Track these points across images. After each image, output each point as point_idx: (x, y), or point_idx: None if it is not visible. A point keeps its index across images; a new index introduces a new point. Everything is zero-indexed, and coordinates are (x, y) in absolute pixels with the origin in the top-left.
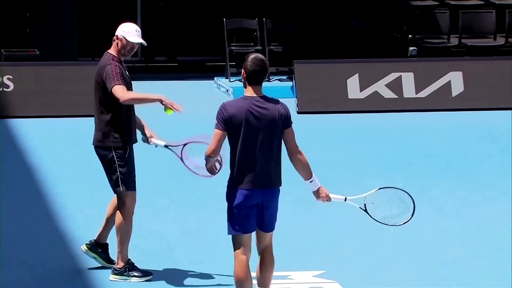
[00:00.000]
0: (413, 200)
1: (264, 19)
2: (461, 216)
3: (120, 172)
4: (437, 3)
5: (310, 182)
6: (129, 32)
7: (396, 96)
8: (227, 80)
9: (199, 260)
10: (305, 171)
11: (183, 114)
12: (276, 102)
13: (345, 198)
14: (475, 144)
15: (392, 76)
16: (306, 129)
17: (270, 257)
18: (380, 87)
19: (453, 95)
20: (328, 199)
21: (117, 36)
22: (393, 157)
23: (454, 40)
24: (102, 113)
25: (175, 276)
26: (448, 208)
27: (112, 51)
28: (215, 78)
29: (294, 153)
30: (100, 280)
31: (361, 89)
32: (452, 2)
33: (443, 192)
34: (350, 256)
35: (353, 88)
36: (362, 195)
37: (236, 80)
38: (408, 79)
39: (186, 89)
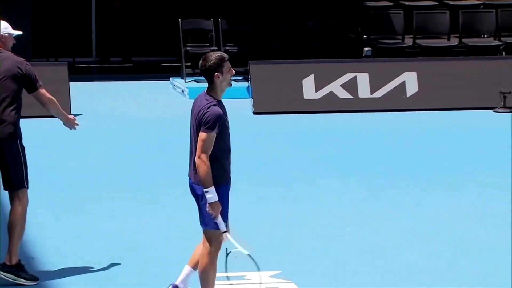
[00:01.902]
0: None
1: (219, 19)
2: (418, 216)
3: (25, 167)
4: (392, 4)
5: (206, 192)
6: (7, 27)
7: (351, 97)
8: (183, 80)
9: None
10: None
11: (140, 115)
12: None
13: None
14: (430, 144)
15: (347, 76)
16: (261, 129)
17: None
18: (336, 87)
19: (408, 95)
20: (217, 217)
21: (2, 35)
22: (349, 157)
23: (408, 41)
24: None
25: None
26: (405, 208)
27: (8, 50)
28: (171, 79)
29: None
30: None
31: (317, 90)
32: (406, 3)
33: (399, 192)
34: (306, 257)
35: (309, 89)
36: (239, 243)
37: (192, 80)
38: (363, 80)
39: (141, 89)
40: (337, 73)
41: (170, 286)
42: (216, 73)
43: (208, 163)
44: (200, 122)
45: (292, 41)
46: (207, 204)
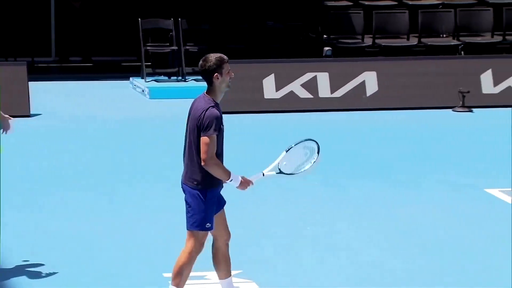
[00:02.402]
0: (314, 141)
1: (179, 19)
2: (379, 215)
3: None
4: (351, 3)
5: (230, 181)
6: None
7: (312, 96)
8: (143, 80)
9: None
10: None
11: (100, 114)
12: None
13: (263, 174)
14: (390, 144)
15: (308, 76)
16: None
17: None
18: (296, 87)
19: (368, 95)
20: (251, 184)
21: None
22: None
23: (368, 40)
24: None
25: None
26: (365, 208)
27: None
28: (131, 78)
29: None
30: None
31: (277, 89)
32: (366, 3)
33: (361, 192)
34: (268, 256)
35: (269, 88)
36: (274, 163)
37: (152, 80)
38: (323, 79)
39: (101, 89)
40: (297, 72)
41: None
42: (216, 73)
43: (217, 162)
44: (200, 126)
45: (253, 41)
46: (238, 188)
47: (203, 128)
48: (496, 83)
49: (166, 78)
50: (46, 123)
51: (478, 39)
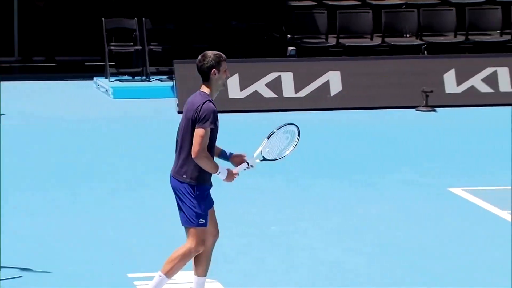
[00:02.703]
0: (294, 124)
1: (143, 18)
2: (342, 214)
3: None
4: (315, 3)
5: (218, 174)
6: None
7: (276, 96)
8: (107, 80)
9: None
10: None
11: (63, 114)
12: None
13: (247, 163)
14: (354, 143)
15: (272, 75)
16: None
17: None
18: (260, 86)
19: (332, 95)
20: (237, 175)
21: None
22: None
23: (332, 40)
24: None
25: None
26: (329, 207)
27: None
28: (95, 78)
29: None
30: None
31: (241, 89)
32: (330, 3)
33: (324, 191)
34: (232, 256)
35: (233, 88)
36: (257, 151)
37: (116, 80)
38: (287, 79)
39: (65, 89)
40: (261, 72)
41: None
42: (214, 69)
43: (208, 155)
44: (195, 118)
45: (217, 40)
46: (225, 180)
47: (199, 120)
48: (459, 82)
49: (130, 78)
50: (9, 123)
51: (441, 39)
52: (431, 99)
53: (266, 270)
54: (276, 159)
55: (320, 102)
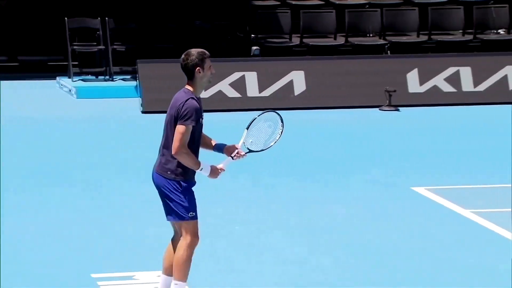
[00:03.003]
0: (274, 111)
1: (106, 18)
2: (306, 213)
3: None
4: (279, 3)
5: (201, 170)
6: None
7: (240, 95)
8: (70, 79)
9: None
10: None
11: (26, 114)
12: None
13: (232, 157)
14: (317, 143)
15: (236, 75)
16: (151, 129)
17: None
18: (224, 86)
19: (296, 94)
20: (223, 170)
21: None
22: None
23: (295, 40)
24: None
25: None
26: (294, 206)
27: None
28: (58, 78)
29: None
30: None
31: (205, 88)
32: (293, 3)
33: (289, 191)
34: (195, 255)
35: None
36: (239, 144)
37: (79, 79)
38: (251, 78)
39: (28, 89)
40: (225, 72)
41: None
42: (198, 68)
43: (188, 151)
44: (177, 115)
45: (180, 40)
46: (209, 177)
47: (181, 117)
48: (422, 82)
49: (93, 77)
50: None
51: (404, 39)
52: (394, 99)
53: (231, 270)
54: (263, 150)
55: (284, 101)
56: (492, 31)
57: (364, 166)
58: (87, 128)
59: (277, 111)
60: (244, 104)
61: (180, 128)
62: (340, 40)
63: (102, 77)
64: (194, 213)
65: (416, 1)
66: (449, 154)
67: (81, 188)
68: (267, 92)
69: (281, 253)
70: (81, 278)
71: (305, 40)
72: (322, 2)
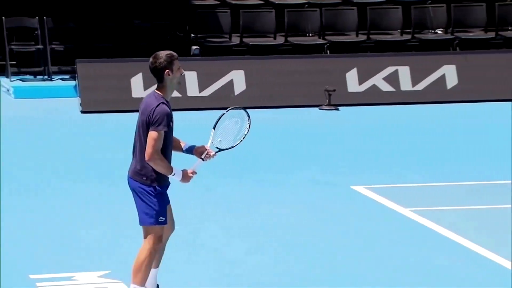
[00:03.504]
0: (237, 108)
1: (44, 17)
2: (246, 214)
3: None
4: (218, 2)
5: (173, 175)
6: None
7: (180, 95)
8: (8, 79)
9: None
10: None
11: None
12: None
13: (202, 159)
14: (257, 142)
15: None
16: (90, 129)
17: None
18: None
19: (236, 94)
20: (194, 173)
21: None
22: (177, 156)
23: (235, 39)
24: None
25: None
26: (233, 207)
27: None
28: None
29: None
30: None
31: (145, 88)
32: (233, 2)
33: (228, 191)
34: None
35: (137, 87)
36: (208, 143)
37: (17, 79)
38: (191, 78)
39: None
40: None
41: None
42: (167, 70)
43: (161, 157)
44: (149, 121)
45: (120, 40)
46: (181, 181)
47: (153, 123)
48: (361, 81)
49: (31, 77)
50: None
51: (343, 38)
52: (333, 98)
53: (170, 269)
54: (233, 147)
55: (224, 101)
56: (430, 30)
57: (304, 166)
58: (25, 128)
59: (238, 106)
60: (184, 104)
61: (152, 134)
62: (280, 39)
63: (41, 76)
64: (164, 219)
65: (354, 1)
66: (388, 153)
67: (19, 189)
68: (207, 92)
69: (220, 253)
70: (19, 279)
71: (245, 40)
72: (262, 2)
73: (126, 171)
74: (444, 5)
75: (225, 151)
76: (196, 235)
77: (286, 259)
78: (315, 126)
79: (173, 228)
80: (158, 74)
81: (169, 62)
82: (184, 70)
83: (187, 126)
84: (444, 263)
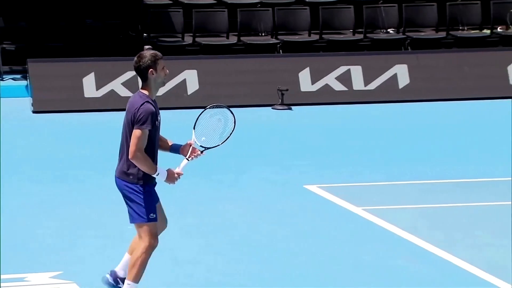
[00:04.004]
0: (217, 106)
1: None
2: (199, 213)
3: None
4: (171, 2)
5: (157, 175)
6: None
7: (132, 95)
8: None
9: None
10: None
11: None
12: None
13: (187, 159)
14: None
15: (128, 74)
16: (42, 129)
17: None
18: (117, 85)
19: (189, 93)
20: (181, 174)
21: None
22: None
23: (188, 39)
24: None
25: None
26: (187, 207)
27: None
28: None
29: None
30: None
31: (97, 88)
32: (186, 1)
33: (181, 190)
34: (88, 256)
35: (89, 87)
36: (191, 140)
37: None
38: None
39: None
40: (118, 71)
41: (109, 273)
42: (151, 69)
43: (145, 156)
44: (133, 120)
45: (71, 39)
46: (166, 182)
47: (137, 121)
48: (313, 81)
49: None
50: None
51: (295, 38)
52: (286, 97)
53: None
54: (219, 145)
55: (177, 101)
56: (382, 30)
57: (257, 165)
58: None
59: (218, 104)
60: None
61: (136, 133)
62: (233, 39)
63: None
64: (154, 215)
65: (307, 1)
66: (341, 152)
67: None
68: (160, 91)
69: (174, 253)
70: None
71: (197, 39)
72: (214, 1)
73: (80, 171)
74: (396, 5)
75: (212, 149)
76: None
77: (239, 259)
78: (268, 126)
79: (165, 226)
80: (142, 74)
81: (153, 62)
82: None
83: None
84: (397, 262)
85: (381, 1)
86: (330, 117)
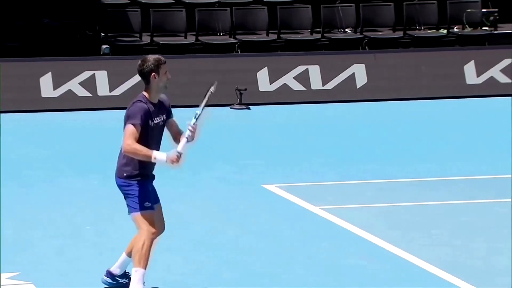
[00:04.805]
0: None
1: None
2: None
3: None
4: (128, 1)
5: (155, 159)
6: None
7: (90, 95)
8: None
9: None
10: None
11: None
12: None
13: (187, 138)
14: (166, 141)
15: (86, 74)
16: None
17: None
18: (74, 85)
19: None
20: (181, 154)
21: None
22: (89, 155)
23: (146, 39)
24: None
25: None
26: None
27: None
28: None
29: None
30: None
31: (55, 88)
32: (143, 1)
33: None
34: (46, 257)
35: (47, 87)
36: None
37: None
38: (101, 77)
39: None
40: (75, 71)
41: (105, 274)
42: (153, 73)
43: (135, 145)
44: (125, 117)
45: (28, 39)
46: (168, 163)
47: (127, 118)
48: (272, 80)
49: None
50: None
51: (254, 38)
52: (245, 97)
53: (81, 270)
54: (204, 106)
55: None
56: (339, 30)
57: (214, 164)
58: None
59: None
60: (94, 103)
61: (126, 128)
62: (191, 38)
63: None
64: (149, 204)
65: (265, 0)
66: (299, 151)
67: None
68: (118, 91)
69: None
70: None
71: (155, 39)
72: (172, 1)
73: (36, 171)
74: (353, 5)
75: (200, 115)
76: (108, 235)
77: (196, 259)
78: (226, 125)
79: (163, 229)
80: (145, 77)
81: (156, 66)
82: (95, 70)
83: (98, 125)
84: (353, 261)
85: (339, 1)
86: (288, 116)
